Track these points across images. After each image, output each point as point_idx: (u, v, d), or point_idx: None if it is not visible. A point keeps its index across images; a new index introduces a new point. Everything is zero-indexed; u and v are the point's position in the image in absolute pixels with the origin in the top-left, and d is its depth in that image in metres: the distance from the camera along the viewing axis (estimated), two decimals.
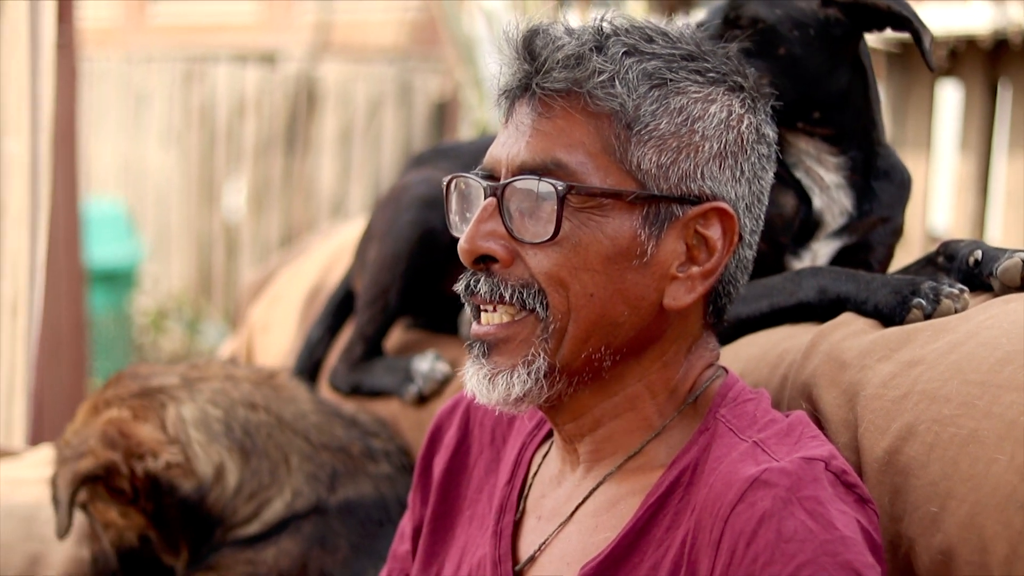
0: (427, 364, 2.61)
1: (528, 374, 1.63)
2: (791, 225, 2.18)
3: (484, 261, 1.66)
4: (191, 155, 9.14)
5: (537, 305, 1.63)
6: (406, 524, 1.96)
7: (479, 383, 1.66)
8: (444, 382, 2.60)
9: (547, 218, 1.62)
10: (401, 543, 1.97)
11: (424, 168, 2.72)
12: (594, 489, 1.70)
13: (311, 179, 8.74)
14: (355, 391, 2.75)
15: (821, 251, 2.20)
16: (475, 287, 1.67)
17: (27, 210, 3.60)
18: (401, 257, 2.66)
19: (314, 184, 8.73)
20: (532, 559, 1.72)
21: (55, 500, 2.49)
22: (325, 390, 2.82)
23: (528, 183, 1.63)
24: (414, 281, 2.67)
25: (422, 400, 2.61)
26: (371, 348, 2.72)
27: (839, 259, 2.20)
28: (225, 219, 9.09)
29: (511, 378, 1.64)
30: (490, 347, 1.66)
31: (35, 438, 3.69)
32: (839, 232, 2.20)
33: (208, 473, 2.51)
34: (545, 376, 1.64)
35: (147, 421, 2.51)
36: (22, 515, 2.87)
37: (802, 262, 2.19)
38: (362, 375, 2.71)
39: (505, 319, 1.65)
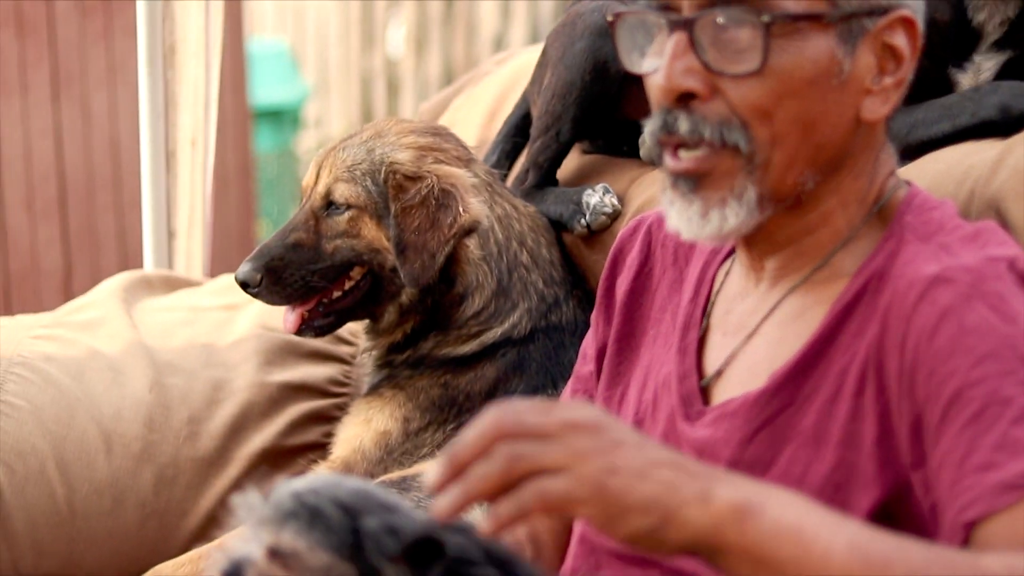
0: (597, 197, 2.61)
1: (740, 205, 1.64)
2: (948, 36, 2.14)
3: (683, 98, 1.65)
4: None
5: (739, 140, 1.63)
6: (589, 345, 1.99)
7: (689, 219, 1.67)
8: (613, 216, 2.60)
9: (748, 48, 1.61)
10: (584, 364, 1.99)
11: None
12: (780, 301, 1.71)
13: (471, 16, 8.72)
14: None
15: (984, 65, 2.16)
16: (673, 125, 1.66)
17: (200, 46, 3.64)
18: (574, 86, 2.65)
19: (474, 22, 8.71)
20: (718, 373, 1.74)
21: (400, 237, 2.53)
22: None
23: (726, 14, 1.61)
24: (587, 110, 2.66)
25: (590, 233, 2.62)
26: (544, 176, 2.73)
27: (1004, 73, 2.16)
28: (386, 57, 9.10)
29: (724, 211, 1.64)
30: (696, 182, 1.66)
31: (207, 272, 3.76)
32: (1001, 44, 2.15)
33: (471, 284, 2.59)
34: (756, 206, 1.64)
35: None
36: (204, 342, 2.94)
37: (966, 76, 2.15)
38: (535, 203, 2.72)
39: (706, 151, 1.64)
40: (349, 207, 2.56)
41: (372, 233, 2.57)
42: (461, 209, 2.52)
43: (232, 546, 1.49)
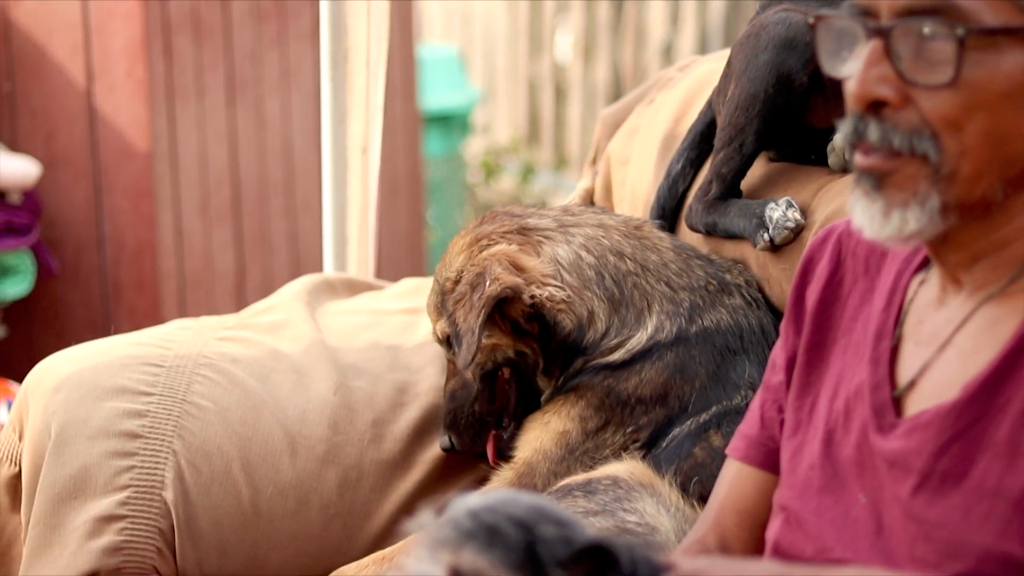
0: (780, 211, 2.60)
1: (923, 212, 1.63)
2: None
3: (875, 105, 1.65)
4: (519, 1, 9.19)
5: (929, 149, 1.62)
6: (778, 355, 1.98)
7: (871, 218, 1.67)
8: (797, 230, 2.59)
9: (942, 60, 1.60)
10: (774, 373, 1.99)
11: (780, 5, 2.69)
12: (974, 312, 1.70)
13: (639, 22, 8.71)
14: (710, 231, 2.76)
15: None
16: (864, 132, 1.66)
17: (368, 53, 3.69)
18: (757, 98, 2.65)
19: (643, 27, 8.70)
20: (911, 384, 1.73)
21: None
22: (683, 227, 2.85)
23: (923, 24, 1.61)
24: (770, 122, 2.66)
25: (773, 248, 2.61)
26: (727, 188, 2.72)
27: None
28: (554, 63, 9.13)
29: (905, 213, 1.64)
30: (879, 180, 1.66)
31: (377, 276, 3.80)
32: None
33: (583, 315, 2.63)
34: (939, 213, 1.63)
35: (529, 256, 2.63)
36: (388, 344, 2.97)
37: None
38: (717, 216, 2.72)
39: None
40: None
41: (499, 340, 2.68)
42: (488, 282, 2.58)
43: (411, 567, 1.50)
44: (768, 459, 1.94)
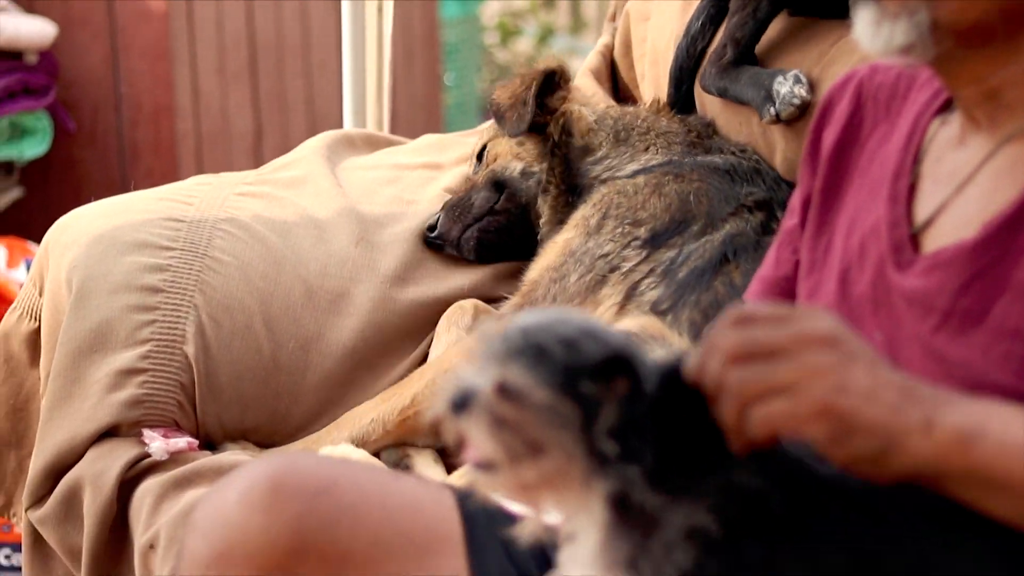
0: (787, 87, 2.61)
1: (911, 26, 1.62)
2: None
3: None
4: None
5: None
6: (795, 198, 1.98)
7: (864, 27, 1.67)
8: (802, 107, 2.60)
9: None
10: (790, 217, 1.98)
11: None
12: (995, 151, 1.69)
13: None
14: (722, 95, 2.80)
15: None
16: None
17: None
18: None
19: None
20: (929, 222, 1.72)
21: (507, 107, 2.90)
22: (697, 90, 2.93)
23: None
24: None
25: (779, 121, 2.64)
26: (741, 53, 2.73)
27: None
28: None
29: (894, 26, 1.63)
30: None
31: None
32: None
33: (593, 143, 2.85)
34: (929, 31, 1.62)
35: None
36: (409, 199, 3.01)
37: None
38: (729, 82, 2.72)
39: None
40: (484, 146, 2.98)
41: (502, 149, 2.93)
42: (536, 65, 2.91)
43: (463, 376, 1.50)
44: (785, 300, 1.95)
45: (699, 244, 2.61)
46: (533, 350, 1.46)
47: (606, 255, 2.63)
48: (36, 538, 2.73)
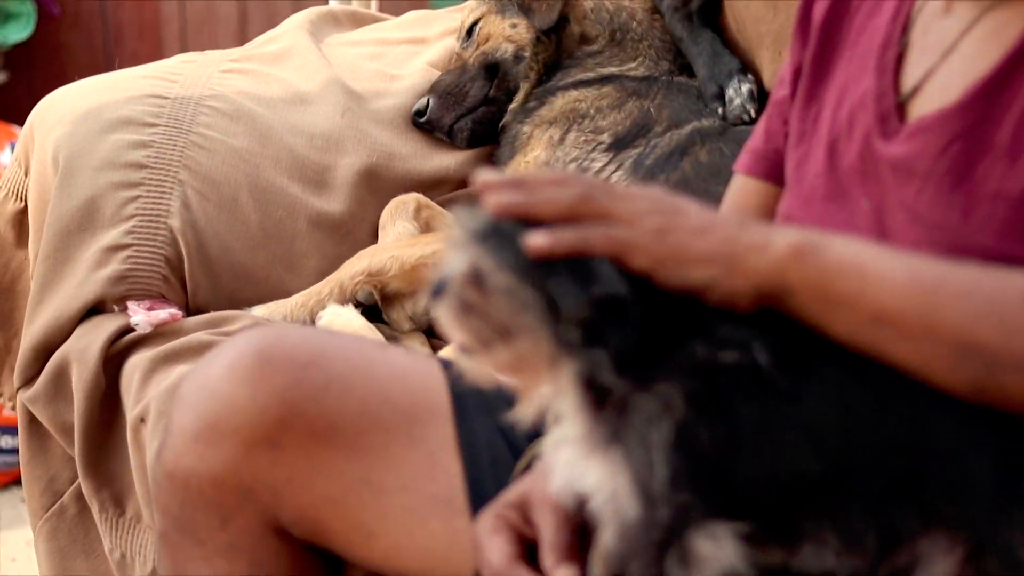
0: (740, 100, 2.68)
1: None
2: None
3: None
4: None
5: None
6: (785, 71, 1.97)
7: None
8: (749, 121, 2.66)
9: None
10: (781, 88, 1.98)
11: None
12: (980, 17, 1.68)
13: None
14: (678, 44, 2.87)
15: None
16: None
17: None
18: None
19: None
20: (915, 91, 1.72)
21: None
22: None
23: None
24: None
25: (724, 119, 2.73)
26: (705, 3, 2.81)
27: None
28: None
29: None
30: None
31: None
32: None
33: (589, 33, 2.89)
34: None
35: None
36: (392, 74, 3.00)
37: None
38: (688, 39, 2.89)
39: None
40: (476, 21, 2.96)
41: (494, 29, 2.93)
42: None
43: (444, 260, 1.50)
44: (773, 171, 1.95)
45: (665, 138, 2.68)
46: (498, 234, 1.45)
47: (575, 159, 2.69)
48: (31, 419, 2.74)
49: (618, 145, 2.70)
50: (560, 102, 2.81)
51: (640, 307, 1.44)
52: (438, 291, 1.49)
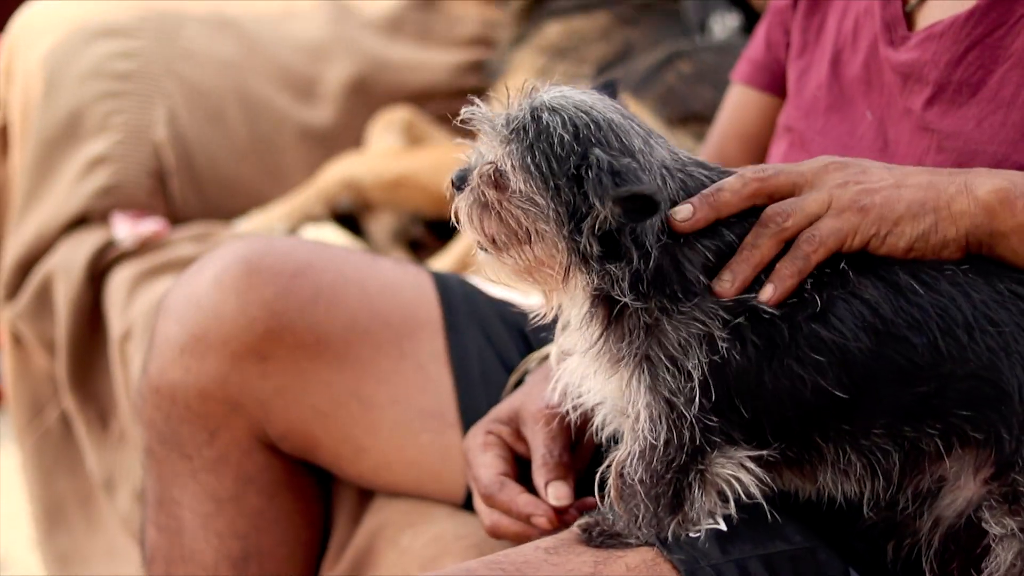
0: (719, 27, 2.75)
1: None
2: None
3: None
4: None
5: None
6: None
7: None
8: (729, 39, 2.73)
9: None
10: None
11: None
12: None
13: None
14: None
15: None
16: None
17: None
18: None
19: None
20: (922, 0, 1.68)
21: None
22: None
23: None
24: None
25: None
26: None
27: None
28: None
29: None
30: None
31: None
32: None
33: None
34: None
35: None
36: None
37: None
38: None
39: None
40: None
41: None
42: None
43: (470, 154, 1.46)
44: (773, 82, 1.90)
45: (644, 58, 2.68)
46: (535, 133, 1.40)
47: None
48: (16, 341, 2.72)
49: (600, 72, 2.73)
50: (555, 30, 2.79)
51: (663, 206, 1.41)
52: (460, 183, 1.46)
